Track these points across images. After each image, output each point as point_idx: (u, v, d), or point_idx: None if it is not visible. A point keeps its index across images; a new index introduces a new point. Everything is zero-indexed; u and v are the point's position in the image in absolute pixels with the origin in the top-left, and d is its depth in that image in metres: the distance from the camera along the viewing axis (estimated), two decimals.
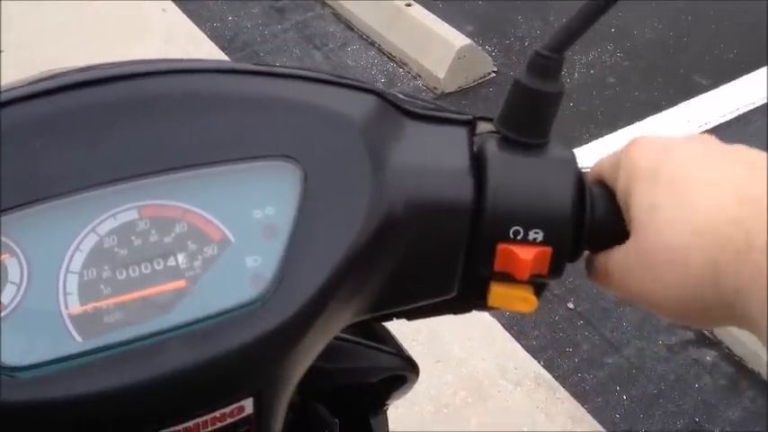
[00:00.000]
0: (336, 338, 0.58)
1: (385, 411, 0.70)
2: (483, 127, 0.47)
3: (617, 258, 0.43)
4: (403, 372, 0.63)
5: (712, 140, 0.42)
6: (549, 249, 0.43)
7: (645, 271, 0.41)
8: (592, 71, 2.74)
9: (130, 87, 0.41)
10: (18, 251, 0.37)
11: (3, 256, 0.37)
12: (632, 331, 1.96)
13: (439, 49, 2.66)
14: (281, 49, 2.88)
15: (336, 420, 0.59)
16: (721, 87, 2.67)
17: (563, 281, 2.05)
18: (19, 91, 0.40)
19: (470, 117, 0.47)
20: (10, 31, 2.86)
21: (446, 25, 2.74)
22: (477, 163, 0.44)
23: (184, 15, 2.99)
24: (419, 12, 2.79)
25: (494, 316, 1.95)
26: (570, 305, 2.01)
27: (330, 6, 3.07)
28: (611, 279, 0.44)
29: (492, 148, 0.44)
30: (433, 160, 0.44)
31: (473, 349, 1.86)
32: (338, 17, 3.02)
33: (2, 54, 2.78)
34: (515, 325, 1.95)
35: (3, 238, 0.37)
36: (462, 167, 0.44)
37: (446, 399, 1.77)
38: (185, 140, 0.40)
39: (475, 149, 0.45)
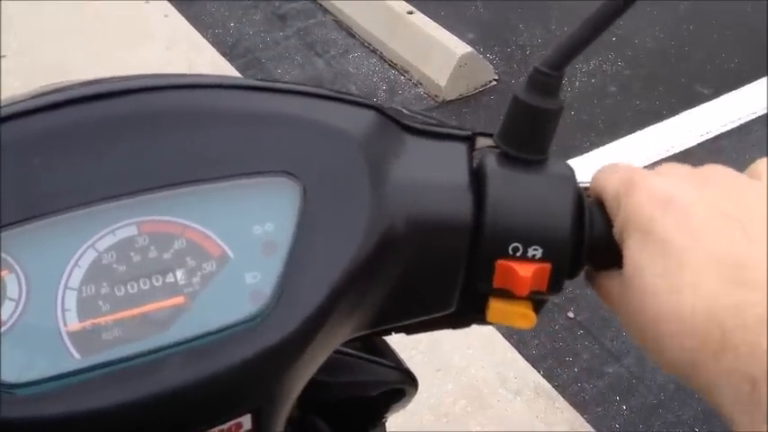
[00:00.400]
0: (336, 352, 0.58)
1: (383, 424, 0.69)
2: (482, 142, 0.47)
3: (610, 283, 0.43)
4: (402, 385, 0.63)
5: (719, 191, 0.39)
6: (548, 266, 0.43)
7: (632, 314, 0.40)
8: (593, 80, 2.74)
9: (130, 103, 0.41)
10: (17, 267, 0.37)
11: (2, 272, 0.37)
12: (632, 340, 1.95)
13: (440, 57, 2.67)
14: (283, 55, 2.88)
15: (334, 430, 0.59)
16: (723, 97, 2.67)
17: (564, 290, 2.05)
18: (19, 106, 0.40)
19: (470, 132, 0.47)
20: (10, 33, 2.86)
21: (447, 33, 2.74)
22: (477, 178, 0.44)
23: (186, 21, 3.00)
24: (421, 19, 2.80)
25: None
26: (570, 314, 2.01)
27: (332, 14, 3.08)
28: (608, 299, 0.44)
29: (491, 163, 0.44)
30: (433, 176, 0.44)
31: (473, 358, 1.86)
32: (340, 24, 3.03)
33: (3, 58, 2.78)
34: (515, 334, 1.95)
35: (2, 254, 0.37)
36: (462, 183, 0.44)
37: (446, 408, 1.77)
38: (185, 156, 0.40)
39: (474, 165, 0.45)
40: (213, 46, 2.89)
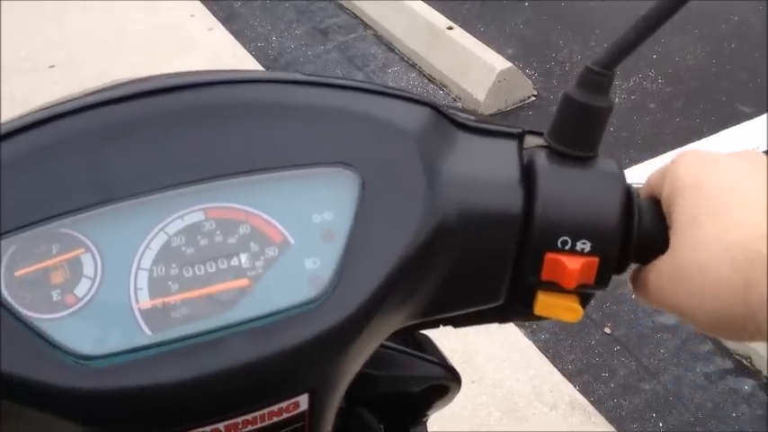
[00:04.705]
0: (382, 346, 0.60)
1: (425, 423, 0.71)
2: (531, 140, 0.49)
3: (654, 270, 0.44)
4: (445, 381, 0.64)
5: (760, 157, 0.43)
6: (596, 260, 0.45)
7: (678, 284, 0.42)
8: (633, 96, 2.73)
9: (198, 96, 0.44)
10: (93, 247, 0.39)
11: (78, 252, 0.39)
12: (670, 358, 1.94)
13: (479, 72, 2.68)
14: (324, 69, 2.92)
15: (381, 426, 0.60)
16: (763, 116, 2.64)
17: (600, 305, 2.05)
18: (89, 98, 0.42)
19: (521, 130, 0.48)
20: (59, 46, 2.94)
21: (487, 48, 2.76)
22: (528, 174, 0.46)
23: (230, 35, 3.05)
24: (460, 35, 2.82)
25: (529, 338, 1.95)
26: (607, 330, 2.00)
27: (372, 29, 3.11)
28: (647, 290, 0.45)
29: (542, 160, 0.46)
30: (485, 171, 0.46)
31: (508, 370, 1.86)
32: (380, 39, 3.06)
33: (52, 68, 2.86)
34: (551, 348, 1.94)
35: (78, 235, 0.39)
36: (513, 179, 0.46)
37: (480, 419, 1.77)
38: (249, 147, 0.42)
39: (525, 161, 0.47)
40: (255, 59, 2.94)
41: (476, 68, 2.70)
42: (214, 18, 3.15)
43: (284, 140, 0.43)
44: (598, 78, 0.44)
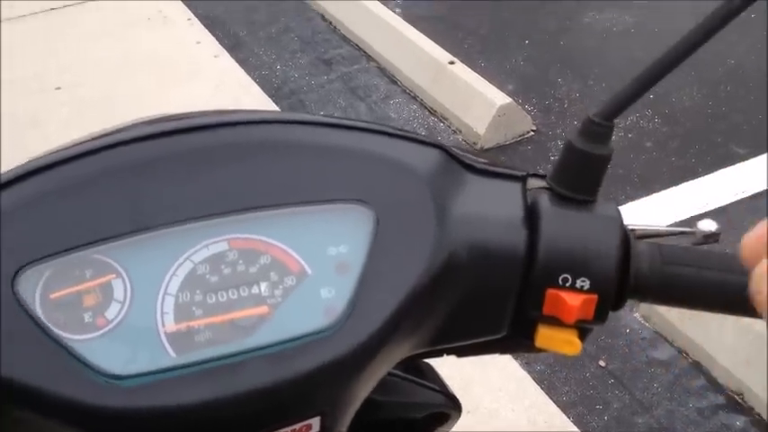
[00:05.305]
0: (387, 373, 0.62)
1: None
2: (534, 182, 0.52)
3: None
4: (446, 409, 0.66)
5: None
6: (594, 297, 0.47)
7: None
8: (630, 135, 2.78)
9: (223, 135, 0.47)
10: (123, 273, 0.42)
11: (110, 277, 0.42)
12: (663, 392, 1.96)
13: (480, 106, 2.73)
14: (326, 98, 2.97)
15: None
16: (758, 157, 2.69)
17: (595, 339, 2.07)
18: (121, 135, 0.45)
19: (524, 173, 0.51)
20: (66, 68, 2.98)
21: (488, 83, 2.81)
22: (531, 215, 0.49)
23: (235, 62, 3.10)
24: (462, 69, 2.87)
25: (525, 369, 1.97)
26: (602, 363, 2.02)
27: (375, 61, 3.17)
28: None
29: (545, 202, 0.49)
30: (491, 211, 0.49)
31: (504, 401, 1.88)
32: (383, 71, 3.11)
33: (58, 90, 2.90)
34: (546, 379, 1.96)
35: (110, 261, 0.42)
36: (517, 219, 0.49)
37: None
38: (271, 182, 0.45)
39: (529, 202, 0.50)
40: (260, 87, 2.99)
41: (476, 103, 2.75)
42: (220, 45, 3.20)
43: (304, 177, 0.46)
44: (599, 129, 0.47)
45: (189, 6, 3.46)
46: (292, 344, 0.42)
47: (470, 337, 0.51)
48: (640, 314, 2.14)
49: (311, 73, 3.11)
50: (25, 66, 3.00)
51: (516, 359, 2.00)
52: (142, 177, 0.44)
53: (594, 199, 0.49)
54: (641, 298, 0.50)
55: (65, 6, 3.38)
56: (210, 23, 3.36)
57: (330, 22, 3.42)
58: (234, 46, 3.24)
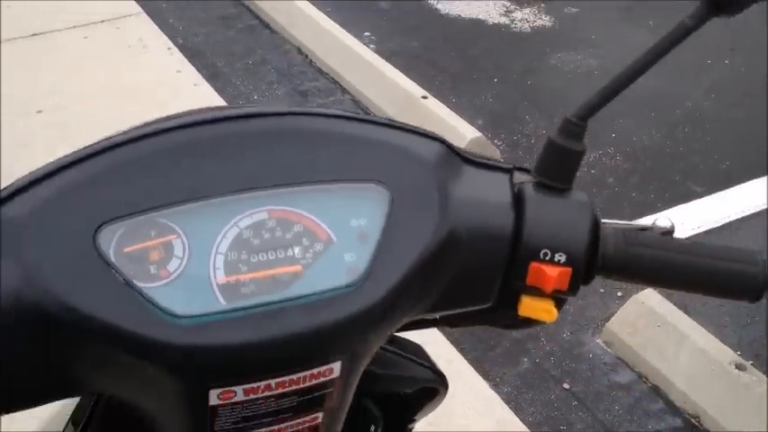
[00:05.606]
0: (384, 348, 0.71)
1: (411, 430, 0.80)
2: (519, 174, 0.61)
3: None
4: (435, 385, 0.74)
5: None
6: (569, 270, 0.56)
7: None
8: (593, 171, 2.91)
9: (261, 123, 0.55)
10: (182, 234, 0.50)
11: (171, 237, 0.50)
12: (624, 414, 2.05)
13: (451, 140, 2.82)
14: None
15: (381, 414, 0.70)
16: (714, 195, 2.83)
17: (560, 363, 2.16)
18: (180, 120, 0.54)
19: (512, 166, 0.61)
20: (48, 93, 3.04)
21: (459, 118, 2.92)
22: (517, 200, 0.58)
23: (214, 90, 3.18)
24: (434, 104, 2.98)
25: (493, 389, 2.05)
26: (566, 385, 2.11)
27: (350, 93, 3.27)
28: None
29: (529, 189, 0.58)
30: (484, 196, 0.58)
31: (473, 418, 1.95)
32: (357, 104, 3.22)
33: (39, 113, 2.95)
34: (512, 401, 2.05)
35: (171, 224, 0.50)
36: (506, 203, 0.58)
37: None
38: (302, 163, 0.53)
39: (515, 190, 0.59)
40: None
41: (447, 136, 2.83)
42: (199, 75, 3.28)
43: (332, 160, 0.54)
44: (575, 128, 0.57)
45: (169, 36, 3.54)
46: (320, 296, 0.50)
47: (463, 305, 0.60)
48: (602, 340, 2.24)
49: (288, 104, 3.20)
50: (10, 89, 3.05)
51: (485, 380, 2.08)
52: (198, 155, 0.52)
53: (570, 187, 0.59)
54: (607, 274, 0.59)
55: (48, 32, 3.45)
56: (190, 54, 3.45)
57: (306, 56, 3.52)
58: (212, 75, 3.32)
